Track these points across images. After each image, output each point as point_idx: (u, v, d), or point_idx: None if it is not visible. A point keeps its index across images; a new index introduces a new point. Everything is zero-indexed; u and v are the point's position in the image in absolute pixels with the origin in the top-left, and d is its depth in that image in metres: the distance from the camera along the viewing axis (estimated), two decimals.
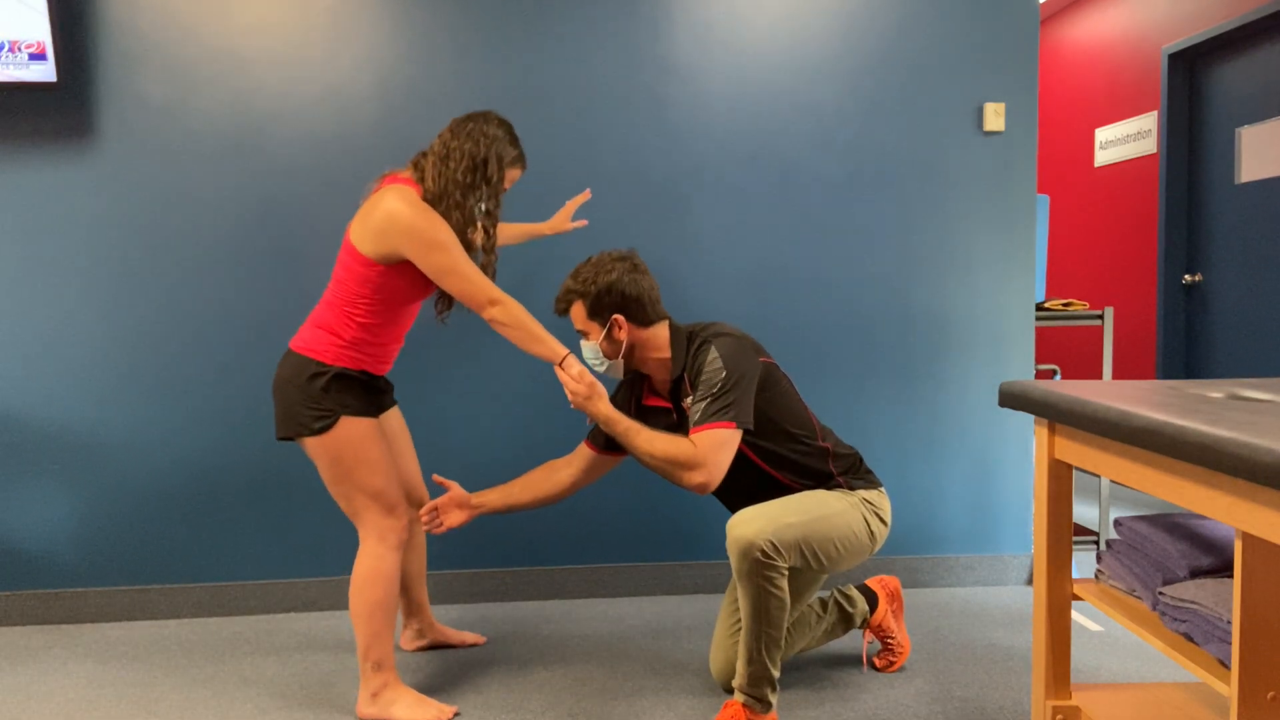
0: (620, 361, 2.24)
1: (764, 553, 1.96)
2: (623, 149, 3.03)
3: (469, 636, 2.69)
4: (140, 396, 2.93)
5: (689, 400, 2.17)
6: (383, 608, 2.16)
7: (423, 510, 2.24)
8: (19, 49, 2.72)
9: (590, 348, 2.23)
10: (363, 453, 2.15)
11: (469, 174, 2.14)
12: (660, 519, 3.12)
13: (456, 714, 2.22)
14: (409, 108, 2.96)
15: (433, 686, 2.39)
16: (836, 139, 3.09)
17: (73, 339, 2.90)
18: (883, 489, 2.31)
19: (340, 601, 3.02)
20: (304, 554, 3.02)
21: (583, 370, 2.12)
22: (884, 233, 3.12)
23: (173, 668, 2.56)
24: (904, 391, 3.15)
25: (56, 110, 2.86)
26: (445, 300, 2.30)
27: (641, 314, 2.20)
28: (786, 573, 2.02)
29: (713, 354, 2.11)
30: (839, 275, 3.12)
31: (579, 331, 2.24)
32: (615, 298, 2.18)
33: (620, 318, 2.19)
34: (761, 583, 1.98)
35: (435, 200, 2.13)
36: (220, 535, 2.98)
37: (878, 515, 2.23)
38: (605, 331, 2.19)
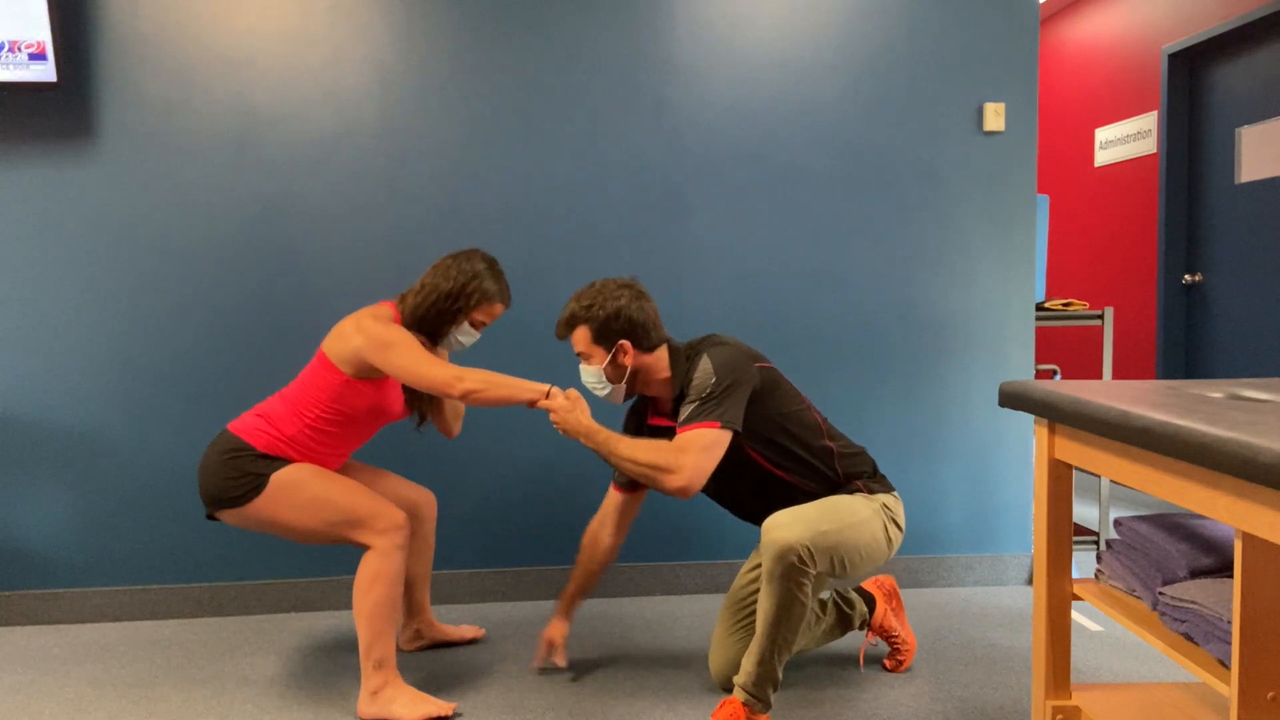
0: (623, 386, 2.24)
1: (800, 557, 1.96)
2: (623, 149, 3.03)
3: (468, 631, 2.70)
4: (140, 396, 2.93)
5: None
6: (385, 607, 2.17)
7: (539, 660, 2.41)
8: (19, 49, 2.72)
9: (593, 372, 2.21)
10: (305, 495, 2.17)
11: (440, 302, 2.26)
12: (660, 519, 3.12)
13: (456, 712, 2.22)
14: (409, 108, 2.96)
15: (433, 686, 2.39)
16: (836, 139, 3.09)
17: (73, 339, 2.90)
18: (897, 494, 2.32)
19: (340, 601, 3.02)
20: (304, 554, 3.01)
21: (561, 392, 2.16)
22: (884, 233, 3.12)
23: (173, 668, 2.56)
24: (904, 391, 3.15)
25: (56, 110, 2.86)
26: (419, 415, 2.45)
27: (646, 339, 2.21)
28: (814, 579, 2.02)
29: (704, 362, 2.13)
30: (839, 275, 3.11)
31: (580, 355, 2.23)
32: (622, 323, 2.18)
33: (626, 343, 2.19)
34: (792, 587, 1.98)
35: (409, 326, 2.27)
36: (220, 535, 2.98)
37: (895, 522, 2.23)
38: (610, 357, 2.19)
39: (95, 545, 2.94)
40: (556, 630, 2.44)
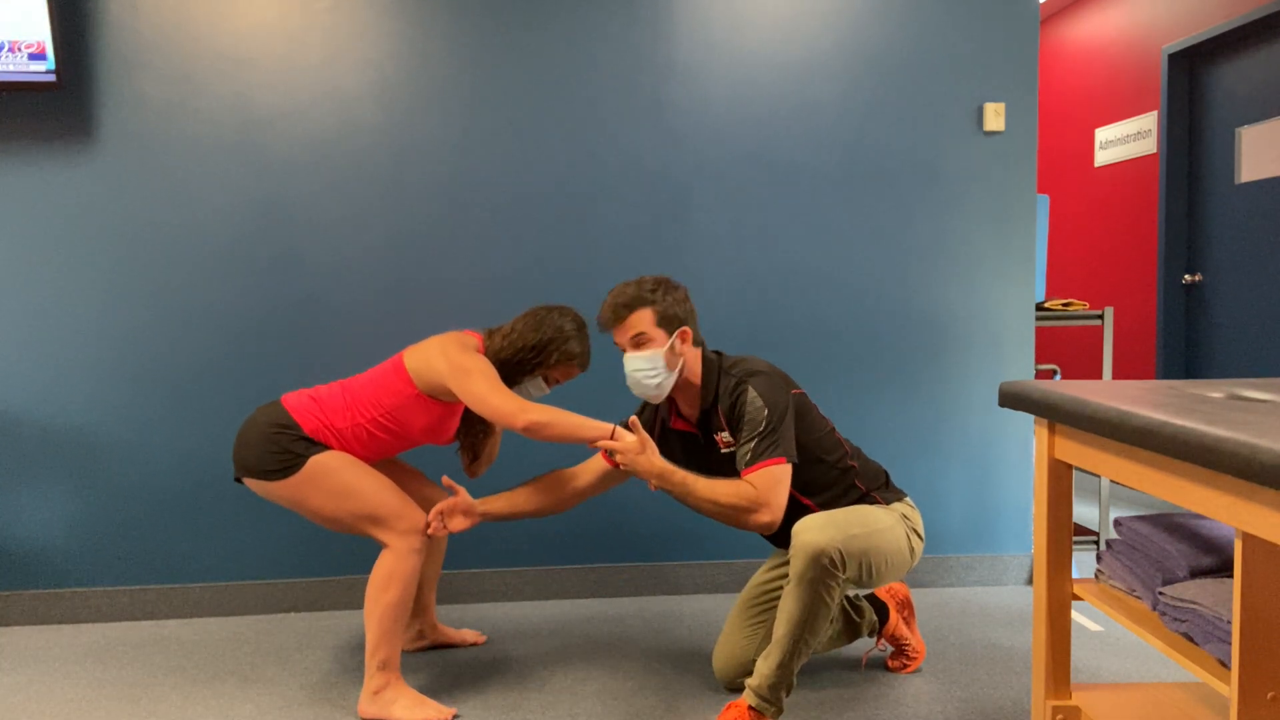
0: (674, 377, 2.19)
1: (832, 561, 1.96)
2: (623, 150, 3.03)
3: (469, 635, 2.70)
4: (140, 396, 2.93)
5: (723, 435, 2.19)
6: (396, 608, 2.17)
7: (430, 513, 2.25)
8: (19, 49, 2.72)
9: (648, 357, 2.15)
10: (335, 483, 2.18)
11: (523, 353, 2.29)
12: (660, 519, 3.12)
13: (456, 716, 2.22)
14: (409, 109, 2.96)
15: (433, 687, 2.39)
16: (836, 139, 3.09)
17: (73, 339, 2.90)
18: (910, 501, 2.31)
19: (340, 601, 3.02)
20: (304, 554, 3.02)
21: (627, 432, 2.12)
22: (884, 233, 3.12)
23: (173, 668, 2.56)
24: (904, 391, 3.15)
25: (56, 110, 2.86)
26: (472, 454, 2.47)
27: (697, 333, 2.23)
28: (843, 584, 2.02)
29: (751, 394, 2.13)
30: (839, 275, 3.12)
31: (633, 339, 2.16)
32: (684, 311, 2.19)
33: (689, 330, 2.19)
34: (821, 590, 1.98)
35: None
36: (220, 535, 2.98)
37: (915, 531, 2.23)
38: (670, 343, 2.17)
39: (95, 545, 2.94)
40: (465, 505, 2.25)
